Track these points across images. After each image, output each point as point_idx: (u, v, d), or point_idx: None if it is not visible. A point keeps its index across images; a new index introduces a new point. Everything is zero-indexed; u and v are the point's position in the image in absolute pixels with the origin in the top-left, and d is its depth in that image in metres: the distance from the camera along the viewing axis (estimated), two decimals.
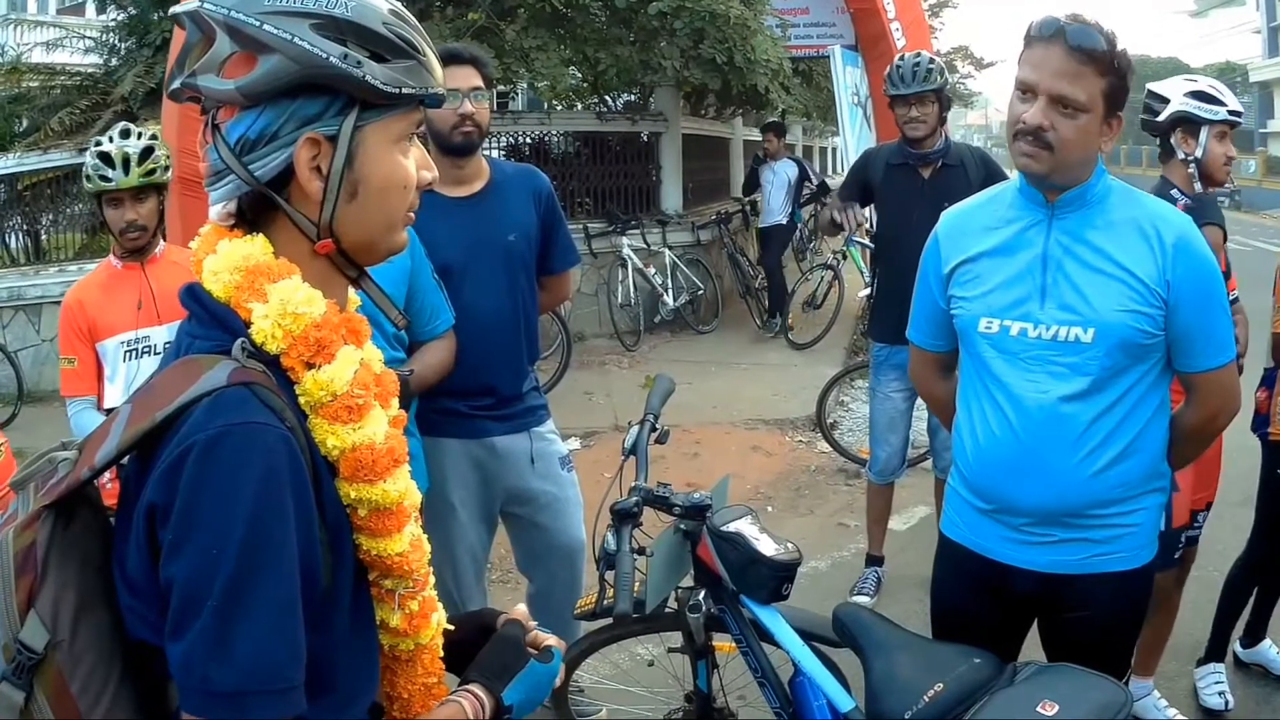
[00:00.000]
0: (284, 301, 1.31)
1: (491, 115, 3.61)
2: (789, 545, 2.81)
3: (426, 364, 3.28)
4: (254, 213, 1.37)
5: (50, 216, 11.42)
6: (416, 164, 1.42)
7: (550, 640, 1.61)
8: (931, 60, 4.88)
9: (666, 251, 11.85)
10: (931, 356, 2.85)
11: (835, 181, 11.88)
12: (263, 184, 1.33)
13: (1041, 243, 2.46)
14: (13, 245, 11.36)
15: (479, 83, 3.43)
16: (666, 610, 2.98)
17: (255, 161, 1.32)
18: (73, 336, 3.62)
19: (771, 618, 2.79)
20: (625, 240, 11.54)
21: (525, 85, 11.66)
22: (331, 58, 1.28)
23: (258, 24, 1.27)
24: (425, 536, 1.50)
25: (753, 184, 13.22)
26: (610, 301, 11.45)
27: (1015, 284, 2.49)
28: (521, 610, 1.65)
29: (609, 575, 2.75)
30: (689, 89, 12.71)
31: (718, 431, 8.16)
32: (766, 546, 2.75)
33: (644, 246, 11.80)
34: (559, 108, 14.07)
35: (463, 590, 3.65)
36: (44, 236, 11.51)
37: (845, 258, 11.48)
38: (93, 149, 3.54)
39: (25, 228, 11.40)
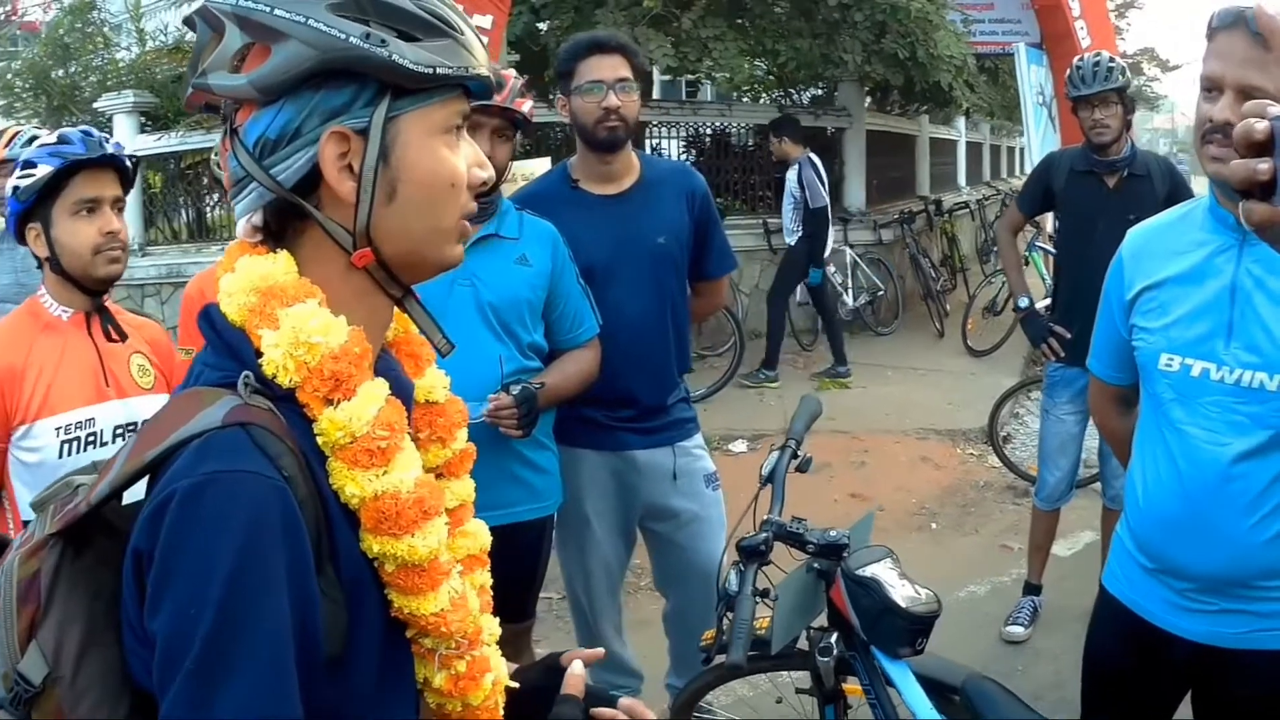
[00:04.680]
0: (296, 329, 1.16)
1: (642, 105, 3.45)
2: (927, 593, 2.58)
3: (565, 374, 3.14)
4: (279, 224, 1.24)
5: (215, 195, 11.60)
6: (468, 161, 1.26)
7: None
8: (1112, 59, 4.63)
9: (848, 250, 11.44)
10: (1112, 390, 2.59)
11: (1016, 183, 11.25)
12: (287, 189, 1.19)
13: (1231, 271, 2.18)
14: (175, 222, 11.69)
15: (626, 73, 3.25)
16: (796, 649, 2.80)
17: (277, 164, 1.18)
18: (194, 326, 3.59)
19: (901, 674, 2.57)
20: None
21: (704, 77, 11.52)
22: (351, 38, 1.14)
23: (268, 9, 1.14)
24: (473, 592, 1.35)
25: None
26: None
27: (1200, 317, 2.21)
28: (577, 675, 1.43)
29: (729, 616, 2.59)
30: (872, 84, 12.36)
31: (888, 440, 7.84)
32: (902, 595, 2.53)
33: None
34: (745, 100, 13.87)
35: (595, 603, 3.55)
36: (208, 214, 11.77)
37: (1028, 264, 10.95)
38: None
39: (189, 205, 11.70)
